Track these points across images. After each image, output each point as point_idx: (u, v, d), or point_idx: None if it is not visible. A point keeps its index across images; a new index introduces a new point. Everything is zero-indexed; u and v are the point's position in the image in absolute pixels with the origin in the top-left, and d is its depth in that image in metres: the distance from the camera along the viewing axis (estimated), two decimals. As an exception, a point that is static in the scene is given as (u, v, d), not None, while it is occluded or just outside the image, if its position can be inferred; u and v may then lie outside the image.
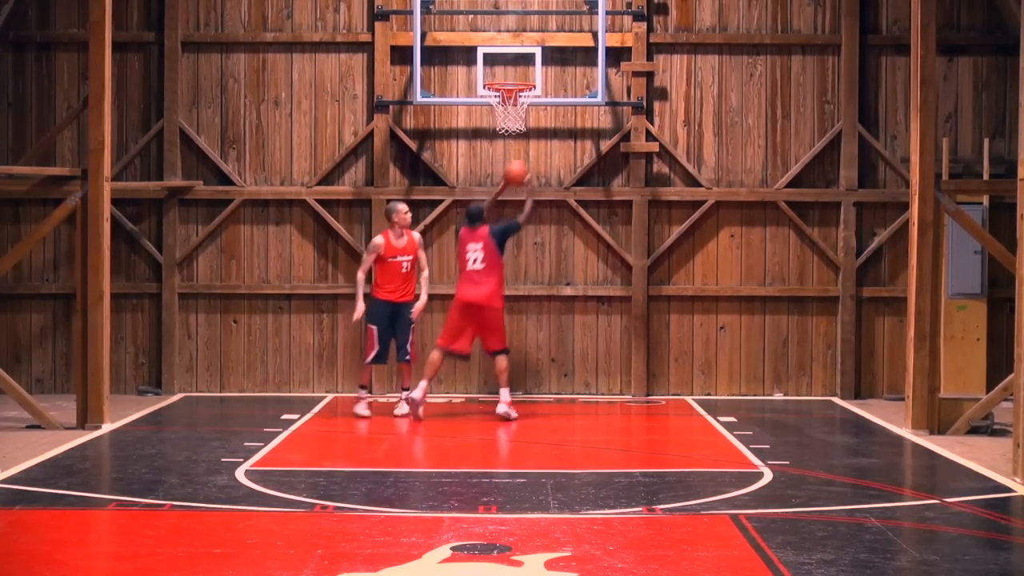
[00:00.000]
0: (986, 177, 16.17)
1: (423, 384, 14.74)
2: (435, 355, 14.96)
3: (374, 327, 14.97)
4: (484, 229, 14.80)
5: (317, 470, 11.89)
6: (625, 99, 16.83)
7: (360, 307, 14.93)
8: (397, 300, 14.96)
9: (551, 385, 16.89)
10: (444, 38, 16.82)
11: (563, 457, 12.76)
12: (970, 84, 16.88)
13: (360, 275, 14.98)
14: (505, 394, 14.77)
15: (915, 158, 14.18)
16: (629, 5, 16.86)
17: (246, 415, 15.32)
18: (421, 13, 16.43)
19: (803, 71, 16.93)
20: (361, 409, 15.02)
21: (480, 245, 14.73)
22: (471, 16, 16.95)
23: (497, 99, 15.90)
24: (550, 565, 8.46)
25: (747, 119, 16.92)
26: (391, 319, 14.97)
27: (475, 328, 14.82)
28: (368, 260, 14.99)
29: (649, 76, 16.85)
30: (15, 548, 9.03)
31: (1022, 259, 11.64)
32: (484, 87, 16.09)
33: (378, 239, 15.01)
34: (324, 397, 16.57)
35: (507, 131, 15.92)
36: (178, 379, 16.88)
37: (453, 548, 8.86)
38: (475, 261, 14.68)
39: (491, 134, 16.63)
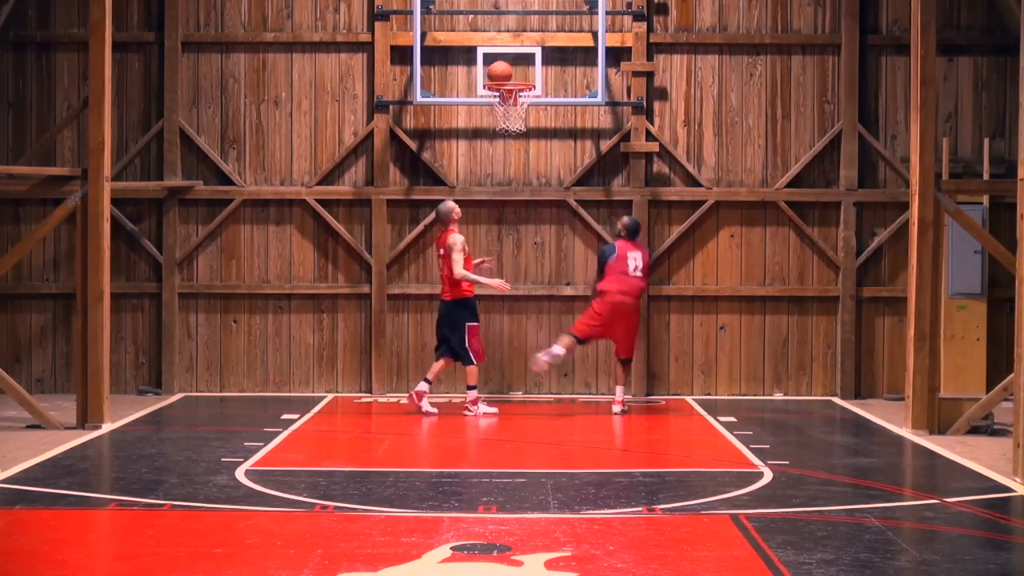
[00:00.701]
0: (986, 177, 16.18)
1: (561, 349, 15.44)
2: (570, 341, 15.49)
3: (478, 324, 15.25)
4: (643, 245, 15.78)
5: (317, 470, 11.89)
6: (625, 99, 16.83)
7: (496, 282, 15.40)
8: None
9: (551, 385, 16.89)
10: (444, 38, 16.82)
11: (563, 457, 12.75)
12: (970, 84, 16.88)
13: (464, 272, 15.02)
14: (620, 392, 15.51)
15: (915, 158, 14.18)
16: (629, 5, 16.86)
17: (246, 415, 15.32)
18: (421, 13, 16.43)
19: (803, 71, 16.93)
20: (486, 407, 15.28)
21: (639, 255, 15.42)
22: (471, 16, 16.96)
23: (497, 99, 15.90)
24: (550, 565, 8.46)
25: (747, 119, 16.92)
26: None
27: (619, 327, 15.34)
28: (462, 258, 15.07)
29: (649, 76, 16.86)
30: (15, 548, 9.03)
31: (1022, 259, 11.64)
32: (484, 87, 16.09)
33: (460, 236, 15.20)
34: (324, 397, 16.57)
35: (507, 131, 15.92)
36: (178, 379, 16.89)
37: (453, 548, 8.86)
38: (635, 269, 15.34)
39: (491, 134, 16.64)
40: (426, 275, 16.90)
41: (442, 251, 15.23)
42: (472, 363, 15.08)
